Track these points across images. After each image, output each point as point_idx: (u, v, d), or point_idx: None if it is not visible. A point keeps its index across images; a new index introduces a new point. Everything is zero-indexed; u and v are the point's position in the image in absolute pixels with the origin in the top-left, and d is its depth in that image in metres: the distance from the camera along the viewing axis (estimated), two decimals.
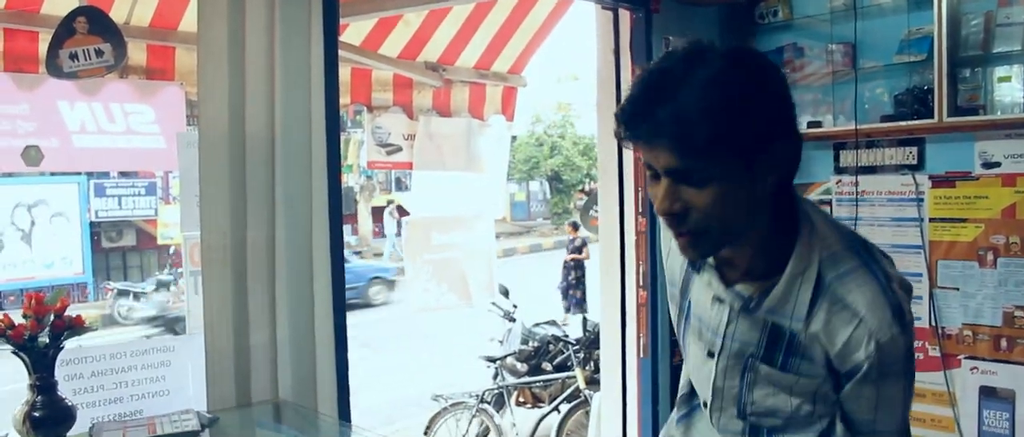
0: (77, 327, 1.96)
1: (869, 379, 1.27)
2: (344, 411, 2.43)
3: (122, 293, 12.75)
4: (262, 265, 2.32)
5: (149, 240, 14.68)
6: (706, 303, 1.42)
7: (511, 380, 5.78)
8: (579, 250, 11.59)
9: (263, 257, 2.33)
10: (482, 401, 5.36)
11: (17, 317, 1.93)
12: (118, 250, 15.78)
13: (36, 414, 1.91)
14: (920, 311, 3.24)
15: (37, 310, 1.91)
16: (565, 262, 11.62)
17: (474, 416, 5.30)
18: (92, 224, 13.71)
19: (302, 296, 2.38)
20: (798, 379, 1.34)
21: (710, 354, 1.44)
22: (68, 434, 1.97)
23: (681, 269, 1.49)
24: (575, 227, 12.30)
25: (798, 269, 1.29)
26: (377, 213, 17.62)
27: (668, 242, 1.51)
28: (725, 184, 1.21)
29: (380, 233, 17.87)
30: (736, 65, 1.21)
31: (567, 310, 11.01)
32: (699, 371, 1.50)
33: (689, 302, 1.48)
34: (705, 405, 1.51)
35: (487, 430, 5.41)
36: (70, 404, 1.98)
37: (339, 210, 2.43)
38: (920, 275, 3.24)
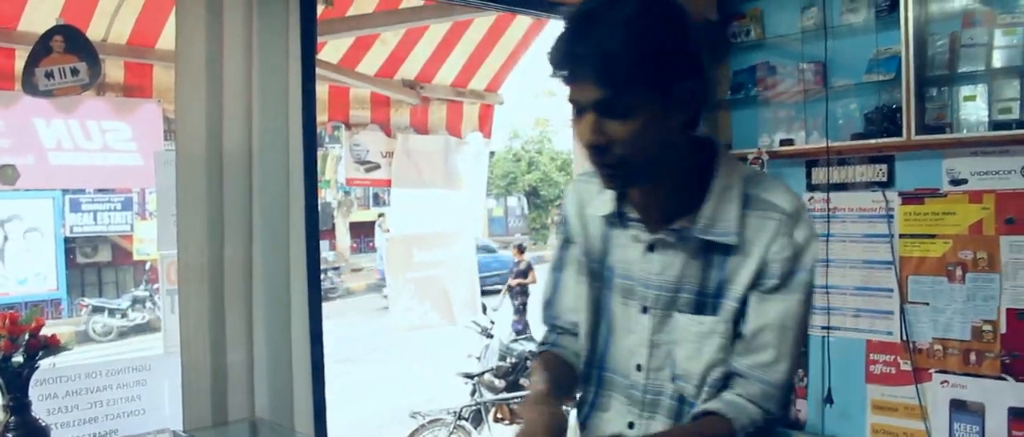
0: (52, 346, 1.96)
1: (780, 283, 1.36)
2: (321, 429, 2.43)
3: (97, 309, 12.64)
4: (239, 282, 2.33)
5: (125, 256, 14.56)
6: (635, 256, 1.47)
7: (489, 396, 5.78)
8: (525, 273, 10.74)
9: (240, 274, 2.34)
10: (460, 418, 5.37)
11: None
12: (93, 266, 15.63)
13: (9, 435, 1.91)
14: (891, 326, 3.28)
15: (11, 330, 1.90)
16: (509, 287, 10.57)
17: (452, 433, 5.31)
18: (67, 239, 13.59)
19: (279, 314, 2.39)
20: (717, 322, 1.41)
21: (644, 310, 1.47)
22: None
23: (599, 235, 1.54)
24: (521, 250, 11.44)
25: (723, 185, 1.39)
26: (355, 228, 17.59)
27: (577, 214, 1.58)
28: (644, 114, 1.29)
29: (358, 248, 17.83)
30: (652, 6, 1.31)
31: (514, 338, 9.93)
32: (628, 335, 1.51)
33: (611, 267, 1.52)
34: (637, 369, 1.50)
35: None
36: (44, 424, 1.97)
37: (316, 227, 2.44)
38: (891, 290, 3.28)
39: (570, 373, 1.59)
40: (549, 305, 1.67)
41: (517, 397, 5.79)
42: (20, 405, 1.93)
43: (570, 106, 1.35)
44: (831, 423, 3.52)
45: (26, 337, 1.93)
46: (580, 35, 1.31)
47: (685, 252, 1.41)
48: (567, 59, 1.31)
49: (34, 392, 1.99)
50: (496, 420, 5.78)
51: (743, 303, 1.39)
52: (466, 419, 5.47)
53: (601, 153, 1.34)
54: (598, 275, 1.54)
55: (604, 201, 1.49)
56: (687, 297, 1.43)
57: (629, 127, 1.30)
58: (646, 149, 1.33)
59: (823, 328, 3.48)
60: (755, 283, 1.38)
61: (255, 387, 2.36)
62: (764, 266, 1.36)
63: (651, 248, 1.44)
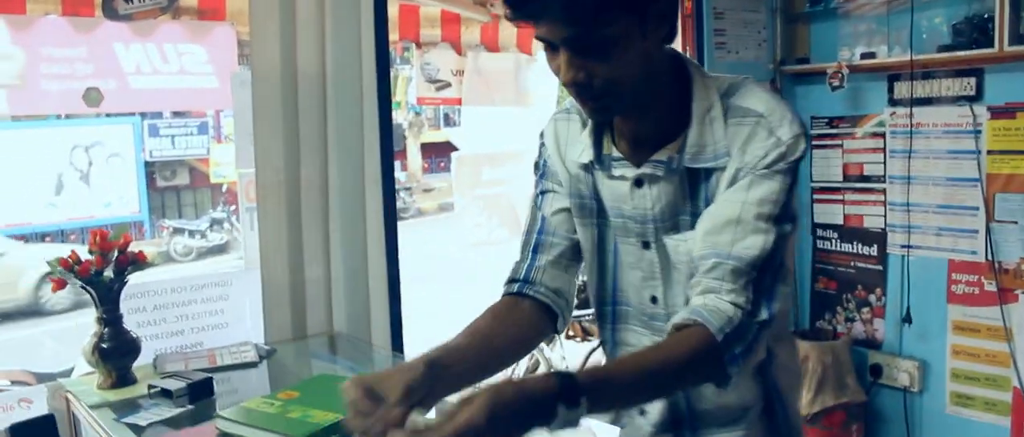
0: (140, 262, 2.02)
1: (753, 173, 1.27)
2: (397, 343, 2.48)
3: (177, 231, 13.02)
4: (315, 201, 2.37)
5: (202, 179, 14.89)
6: (624, 193, 1.38)
7: None
8: None
9: (316, 193, 2.37)
10: None
11: (82, 254, 2.00)
12: (173, 189, 16.03)
13: (104, 345, 1.99)
14: (975, 245, 3.20)
15: (102, 246, 1.97)
16: None
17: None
18: (147, 164, 13.93)
19: (355, 232, 2.42)
20: None
21: (645, 245, 1.40)
22: (134, 365, 2.05)
23: (584, 177, 1.43)
24: None
25: (702, 107, 1.30)
26: (426, 149, 17.63)
27: (559, 158, 1.47)
28: (622, 44, 1.20)
29: (429, 169, 17.92)
30: None
31: None
32: (636, 270, 1.43)
33: (603, 205, 1.43)
34: (652, 301, 1.43)
35: (537, 364, 5.46)
36: (135, 336, 2.05)
37: (390, 146, 2.46)
38: (977, 209, 3.19)
39: (518, 336, 1.44)
40: (533, 222, 1.52)
41: (588, 314, 5.81)
42: (113, 318, 2.01)
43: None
44: (909, 343, 3.47)
45: (115, 254, 2.00)
46: None
47: (675, 181, 1.33)
48: (526, 1, 1.19)
49: (124, 306, 2.06)
50: (568, 337, 5.82)
51: None
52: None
53: (582, 89, 1.26)
54: (591, 212, 1.45)
55: (583, 147, 1.40)
56: (686, 223, 1.35)
57: (608, 60, 1.21)
58: (630, 77, 1.24)
59: (903, 247, 3.42)
60: (730, 184, 1.29)
61: (333, 302, 2.41)
62: (739, 168, 1.28)
63: (639, 184, 1.36)
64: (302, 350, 2.35)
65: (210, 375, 1.96)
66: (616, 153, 1.38)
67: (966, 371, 3.31)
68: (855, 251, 3.63)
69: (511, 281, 1.48)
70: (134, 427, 1.77)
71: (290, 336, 2.35)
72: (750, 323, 1.24)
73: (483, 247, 4.75)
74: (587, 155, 1.39)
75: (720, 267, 1.25)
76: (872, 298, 3.60)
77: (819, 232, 3.77)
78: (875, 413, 3.64)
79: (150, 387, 1.92)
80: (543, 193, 1.51)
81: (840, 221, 3.67)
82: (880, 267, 3.54)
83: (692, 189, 1.34)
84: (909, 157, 3.33)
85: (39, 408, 2.13)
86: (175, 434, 1.80)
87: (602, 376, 1.17)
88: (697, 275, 1.29)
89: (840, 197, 3.65)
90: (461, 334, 1.37)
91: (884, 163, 3.46)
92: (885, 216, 3.48)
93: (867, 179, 3.54)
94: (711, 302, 1.24)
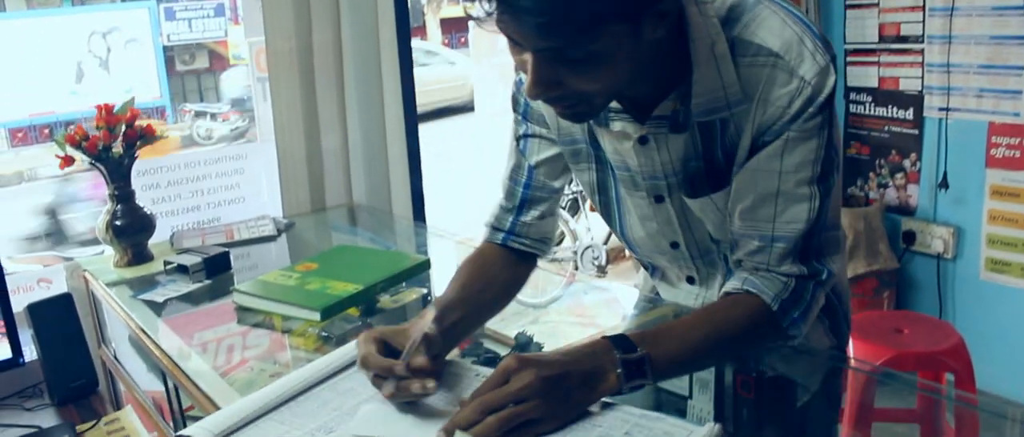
0: (148, 135, 1.95)
1: (783, 134, 1.08)
2: (419, 213, 2.42)
3: (199, 114, 12.97)
4: (329, 68, 2.27)
5: (221, 61, 14.74)
6: (629, 150, 1.20)
7: None
8: None
9: (330, 60, 2.27)
10: (560, 206, 5.35)
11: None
12: (192, 73, 15.89)
13: (117, 222, 1.94)
14: (1019, 107, 3.06)
15: (108, 120, 1.90)
16: None
17: None
18: (165, 48, 13.76)
19: (372, 99, 2.33)
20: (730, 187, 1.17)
21: (658, 199, 1.26)
22: (149, 241, 2.01)
23: (579, 128, 1.27)
24: None
25: (704, 46, 1.06)
26: (446, 24, 17.30)
27: (547, 108, 1.27)
28: (610, 56, 0.96)
29: (449, 44, 17.65)
30: None
31: None
32: (650, 221, 1.31)
33: (604, 155, 1.28)
34: (673, 246, 1.32)
35: (562, 236, 5.43)
36: (149, 213, 2.00)
37: (405, 10, 2.33)
38: (1022, 69, 3.04)
39: (496, 291, 1.33)
40: (517, 171, 1.37)
41: None
42: (124, 194, 1.95)
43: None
44: (944, 209, 3.38)
45: (123, 128, 1.92)
46: None
47: (685, 135, 1.15)
48: None
49: (137, 183, 2.01)
50: (592, 210, 5.76)
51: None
52: (563, 208, 5.45)
53: (554, 101, 1.04)
54: (588, 156, 1.30)
55: None
56: (699, 176, 1.19)
57: (588, 71, 0.98)
58: (614, 86, 1.04)
59: (941, 109, 3.28)
60: (756, 142, 1.11)
61: (351, 174, 2.34)
62: (762, 123, 1.09)
63: (643, 141, 1.18)
64: (321, 222, 2.30)
65: (227, 250, 1.91)
66: (615, 104, 1.17)
67: (1003, 237, 3.22)
68: (890, 115, 3.49)
69: (495, 230, 1.38)
70: (151, 303, 1.74)
71: (309, 208, 2.29)
72: (805, 286, 1.15)
73: (502, 117, 4.65)
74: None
75: (764, 251, 1.14)
76: (906, 163, 3.49)
77: (852, 96, 3.63)
78: (907, 280, 3.58)
79: (166, 263, 1.88)
80: (526, 137, 1.35)
81: (874, 84, 3.52)
82: (916, 131, 3.41)
83: (707, 140, 1.15)
84: (951, 15, 3.15)
85: (59, 288, 2.10)
86: (193, 309, 1.76)
87: (660, 340, 1.08)
88: (738, 252, 1.18)
89: (875, 59, 3.49)
90: (455, 288, 1.27)
91: (923, 22, 3.29)
92: (923, 78, 3.33)
93: (904, 39, 3.37)
94: (760, 276, 1.15)
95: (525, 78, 0.99)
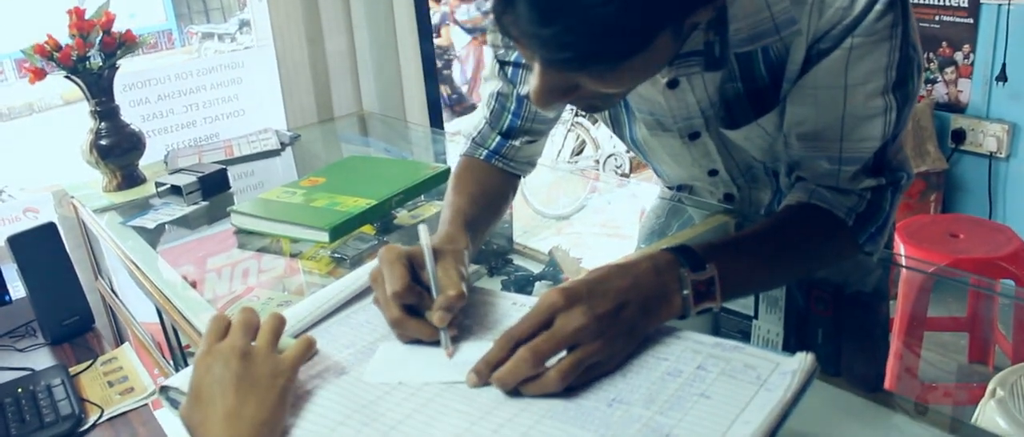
0: (129, 43, 1.74)
1: (850, 40, 0.87)
2: (436, 120, 2.23)
3: (206, 36, 12.75)
4: None
5: None
6: (656, 95, 1.05)
7: None
8: None
9: None
10: (577, 114, 5.14)
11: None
12: None
13: (102, 142, 1.76)
14: None
15: (80, 26, 1.68)
16: None
17: (569, 130, 5.12)
18: None
19: None
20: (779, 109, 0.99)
21: (693, 135, 1.11)
22: (141, 162, 1.82)
23: None
24: None
25: None
26: None
27: None
28: (644, 63, 0.75)
29: None
30: None
31: None
32: (683, 157, 1.17)
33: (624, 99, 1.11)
34: (712, 173, 1.19)
35: (583, 144, 5.25)
36: (136, 130, 1.81)
37: None
38: None
39: (498, 205, 1.17)
40: (506, 98, 1.18)
41: None
42: (108, 110, 1.76)
43: None
44: (999, 105, 3.16)
45: (99, 35, 1.71)
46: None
47: (721, 66, 0.95)
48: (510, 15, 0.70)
49: (123, 98, 1.82)
50: None
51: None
52: (583, 115, 5.25)
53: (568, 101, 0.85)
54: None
55: None
56: (740, 102, 1.01)
57: (615, 79, 0.77)
58: (642, 81, 0.86)
59: None
60: (811, 52, 0.91)
61: (360, 78, 2.14)
62: (818, 29, 0.88)
63: (672, 84, 1.01)
64: (329, 133, 2.12)
65: (224, 167, 1.72)
66: None
67: None
68: (941, 3, 3.23)
69: (477, 145, 1.22)
70: (141, 230, 1.56)
71: (315, 119, 2.11)
72: (883, 196, 0.99)
73: None
74: None
75: (833, 174, 0.97)
76: (958, 56, 3.24)
77: None
78: (955, 181, 3.40)
79: (158, 185, 1.70)
80: (516, 66, 1.14)
81: None
82: (970, 20, 3.16)
83: (747, 68, 0.96)
84: None
85: (47, 217, 1.93)
86: (190, 235, 1.58)
87: (729, 256, 0.88)
88: (800, 171, 1.01)
89: None
90: (465, 203, 1.08)
91: None
92: None
93: None
94: (831, 191, 0.98)
95: (533, 93, 0.78)
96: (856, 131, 0.93)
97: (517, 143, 1.19)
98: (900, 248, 2.61)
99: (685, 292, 0.83)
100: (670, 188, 1.38)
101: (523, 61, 1.13)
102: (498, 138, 1.20)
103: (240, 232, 1.46)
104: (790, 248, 0.97)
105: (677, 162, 1.20)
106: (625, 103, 1.14)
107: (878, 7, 0.85)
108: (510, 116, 1.18)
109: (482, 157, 1.21)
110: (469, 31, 5.83)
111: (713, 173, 1.20)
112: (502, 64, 1.16)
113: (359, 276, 0.99)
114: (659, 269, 0.84)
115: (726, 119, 1.04)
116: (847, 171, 0.96)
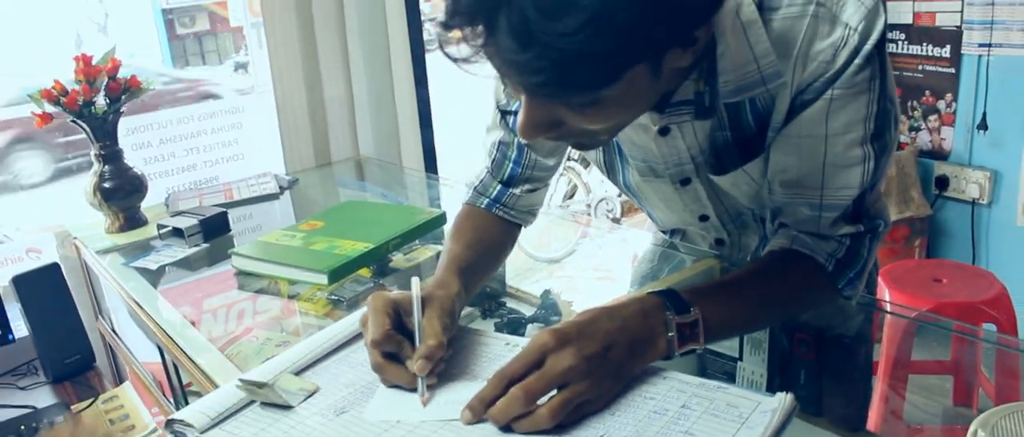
0: (133, 89, 1.79)
1: (826, 90, 0.91)
2: (431, 165, 2.27)
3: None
4: (329, 9, 2.10)
5: (222, 22, 14.61)
6: (648, 142, 1.09)
7: None
8: None
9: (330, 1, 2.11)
10: (568, 158, 5.20)
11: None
12: (193, 35, 15.75)
13: (106, 185, 1.80)
14: None
15: (87, 72, 1.74)
16: None
17: (561, 174, 5.17)
18: (165, 12, 13.62)
19: (377, 46, 2.17)
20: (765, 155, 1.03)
21: (684, 181, 1.14)
22: (142, 204, 1.86)
23: None
24: None
25: (728, 18, 0.89)
26: None
27: None
28: (622, 96, 0.78)
29: None
30: None
31: None
32: (674, 202, 1.21)
33: (616, 143, 1.16)
34: (702, 219, 1.22)
35: (575, 188, 5.30)
36: (139, 173, 1.85)
37: None
38: None
39: (496, 253, 1.21)
40: (507, 147, 1.23)
41: None
42: (112, 153, 1.81)
43: None
44: (981, 152, 3.22)
45: (105, 80, 1.76)
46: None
47: (711, 117, 1.00)
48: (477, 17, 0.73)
49: (126, 142, 1.87)
50: None
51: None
52: (574, 160, 5.30)
53: (553, 137, 0.87)
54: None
55: None
56: (728, 149, 1.04)
57: (599, 114, 0.81)
58: (629, 119, 0.90)
59: (982, 46, 3.10)
60: (794, 103, 0.94)
61: (357, 125, 2.19)
62: (801, 81, 0.92)
63: (664, 131, 1.05)
64: (327, 177, 2.17)
65: (224, 210, 1.76)
66: None
67: None
68: (924, 53, 3.31)
69: (480, 194, 1.26)
70: (144, 271, 1.60)
71: (313, 163, 2.15)
72: (862, 243, 1.02)
73: None
74: None
75: (813, 220, 1.01)
76: (941, 104, 3.31)
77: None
78: (940, 227, 3.44)
79: (160, 227, 1.74)
80: (516, 114, 1.14)
81: (909, 20, 3.33)
82: (952, 70, 3.23)
83: (735, 118, 1.01)
84: None
85: (49, 257, 1.96)
86: (191, 276, 1.62)
87: (712, 300, 0.93)
88: (783, 217, 1.04)
89: None
90: (461, 249, 1.12)
91: None
92: (962, 12, 3.14)
93: None
94: (811, 237, 1.02)
95: (519, 124, 0.82)
96: (835, 179, 0.97)
97: (518, 192, 1.24)
98: (885, 292, 2.65)
99: (670, 334, 0.87)
100: (664, 232, 1.42)
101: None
102: (499, 187, 1.24)
103: (240, 274, 1.50)
104: (772, 292, 1.01)
105: (669, 207, 1.24)
106: (619, 150, 1.18)
107: (857, 61, 0.89)
108: (511, 164, 1.23)
109: (483, 206, 1.25)
110: None
111: (704, 218, 1.23)
112: (503, 114, 1.21)
113: (358, 317, 1.03)
114: (646, 312, 0.88)
115: (714, 165, 1.08)
116: (827, 217, 1.00)
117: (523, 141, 1.11)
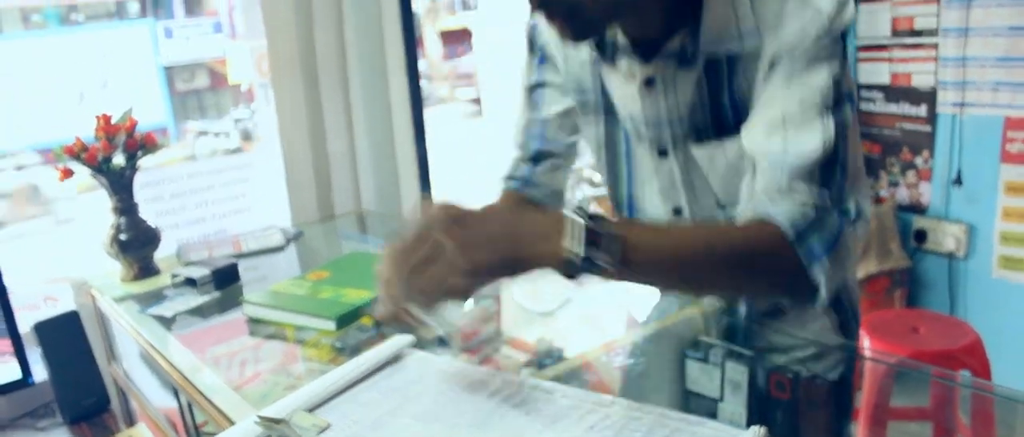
0: (149, 146, 1.90)
1: (796, 58, 1.02)
2: None
3: (202, 133, 12.98)
4: (333, 70, 2.22)
5: (221, 80, 14.76)
6: (634, 95, 1.17)
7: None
8: None
9: (334, 62, 2.22)
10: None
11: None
12: (193, 92, 15.88)
13: (122, 236, 1.89)
14: None
15: (107, 130, 1.85)
16: None
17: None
18: (166, 68, 13.79)
19: (378, 103, 2.29)
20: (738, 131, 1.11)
21: (661, 152, 1.21)
22: (155, 255, 1.95)
23: (588, 70, 1.24)
24: None
25: None
26: (446, 37, 17.30)
27: (557, 44, 1.27)
28: None
29: (449, 57, 17.66)
30: None
31: None
32: (653, 180, 1.26)
33: (611, 103, 1.24)
34: (676, 212, 1.27)
35: None
36: (153, 226, 1.95)
37: (409, 11, 2.29)
38: None
39: None
40: (531, 124, 1.37)
41: None
42: (128, 207, 1.90)
43: None
44: (957, 206, 3.33)
45: (123, 137, 1.87)
46: None
47: (692, 76, 1.10)
48: None
49: (140, 195, 1.95)
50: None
51: None
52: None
53: (545, 14, 0.99)
54: (597, 108, 1.26)
55: None
56: (707, 121, 1.14)
57: None
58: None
59: (955, 105, 3.23)
60: (766, 78, 1.05)
61: (359, 179, 2.29)
62: (774, 54, 1.03)
63: (649, 83, 1.14)
64: (330, 230, 2.25)
65: (234, 261, 1.86)
66: (622, 39, 1.13)
67: (1017, 234, 3.17)
68: (901, 112, 3.44)
69: (510, 178, 1.38)
70: (160, 318, 1.68)
71: (317, 217, 2.24)
72: (828, 214, 1.02)
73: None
74: (585, 48, 1.20)
75: (776, 170, 1.03)
76: (918, 160, 3.44)
77: (863, 93, 3.58)
78: (918, 279, 3.53)
79: (173, 276, 1.83)
80: (541, 86, 1.33)
81: (886, 80, 3.47)
82: (928, 128, 3.36)
83: (714, 84, 1.11)
84: (968, 6, 3.10)
85: (65, 306, 2.05)
86: (203, 323, 1.71)
87: (644, 230, 0.99)
88: (750, 181, 1.08)
89: (887, 55, 3.44)
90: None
91: (938, 15, 3.23)
92: (936, 73, 3.28)
93: (918, 33, 3.32)
94: (774, 201, 1.03)
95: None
96: (797, 136, 1.02)
97: (542, 169, 1.36)
98: (865, 341, 2.75)
99: (572, 240, 0.88)
100: None
101: (546, 81, 1.32)
102: (525, 167, 1.37)
103: (252, 321, 1.59)
104: (720, 245, 1.00)
105: (648, 187, 1.29)
106: (615, 116, 1.26)
107: (820, 35, 1.00)
108: (536, 141, 1.36)
109: (513, 187, 1.37)
110: None
111: (677, 212, 1.27)
112: (530, 90, 1.34)
113: (364, 360, 1.12)
114: (549, 214, 0.91)
115: (692, 133, 1.16)
116: (789, 167, 1.02)
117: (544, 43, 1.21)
